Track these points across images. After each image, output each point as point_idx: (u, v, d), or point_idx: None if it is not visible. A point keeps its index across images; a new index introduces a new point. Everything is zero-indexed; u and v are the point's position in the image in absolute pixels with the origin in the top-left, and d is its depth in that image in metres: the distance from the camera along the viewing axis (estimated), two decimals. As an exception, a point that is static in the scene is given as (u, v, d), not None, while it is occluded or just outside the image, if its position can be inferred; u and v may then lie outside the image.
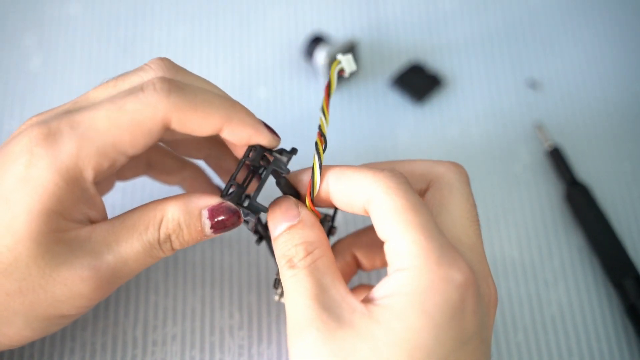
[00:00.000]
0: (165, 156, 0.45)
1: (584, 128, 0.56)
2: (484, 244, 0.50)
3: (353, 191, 0.36)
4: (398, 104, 0.57)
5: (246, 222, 0.39)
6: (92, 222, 0.37)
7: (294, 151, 0.38)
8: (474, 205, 0.38)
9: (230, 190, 0.37)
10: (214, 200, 0.37)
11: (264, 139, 0.38)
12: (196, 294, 0.48)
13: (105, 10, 0.60)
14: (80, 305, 0.36)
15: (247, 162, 0.38)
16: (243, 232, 0.50)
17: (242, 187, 0.37)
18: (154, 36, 0.60)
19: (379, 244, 0.39)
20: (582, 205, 0.51)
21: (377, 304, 0.33)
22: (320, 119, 0.38)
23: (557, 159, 0.53)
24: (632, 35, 0.60)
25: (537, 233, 0.52)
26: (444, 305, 0.32)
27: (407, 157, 0.54)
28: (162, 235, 0.37)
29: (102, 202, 0.37)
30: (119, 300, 0.47)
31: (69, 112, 0.36)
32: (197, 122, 0.36)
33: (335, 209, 0.41)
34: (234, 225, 0.38)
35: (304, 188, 0.39)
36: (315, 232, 0.37)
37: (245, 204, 0.38)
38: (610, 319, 0.48)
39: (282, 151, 0.38)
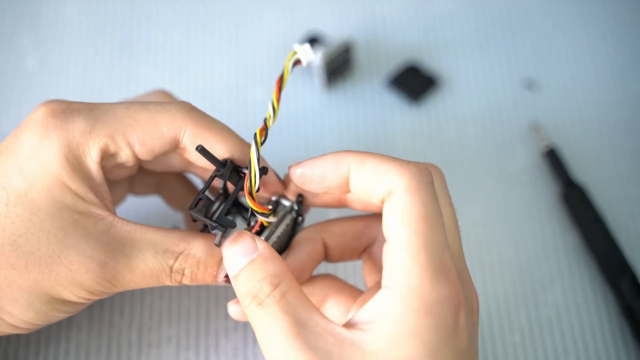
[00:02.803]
0: (174, 180, 0.45)
1: (580, 128, 0.56)
2: (480, 245, 0.51)
3: (375, 180, 0.34)
4: (394, 104, 0.57)
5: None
6: (107, 210, 0.36)
7: (264, 170, 0.37)
8: (454, 210, 0.37)
9: (198, 203, 0.36)
10: None
11: (273, 185, 0.39)
12: (191, 296, 0.48)
13: (101, 11, 0.60)
14: (79, 294, 0.36)
15: (217, 177, 0.37)
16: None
17: (210, 200, 0.37)
18: (150, 36, 0.60)
19: (352, 237, 0.38)
20: (578, 205, 0.51)
21: (365, 329, 0.32)
22: (268, 112, 0.37)
23: (553, 159, 0.53)
24: (628, 35, 0.60)
25: (533, 233, 0.52)
26: (438, 328, 0.31)
27: (403, 157, 0.54)
28: (177, 265, 0.37)
29: (108, 193, 0.37)
30: (114, 302, 0.47)
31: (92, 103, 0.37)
32: (206, 133, 0.37)
33: (301, 198, 0.39)
34: None
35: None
36: (276, 264, 0.34)
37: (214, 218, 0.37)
38: (606, 319, 0.48)
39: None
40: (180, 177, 0.45)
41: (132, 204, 0.48)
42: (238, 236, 0.36)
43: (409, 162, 0.34)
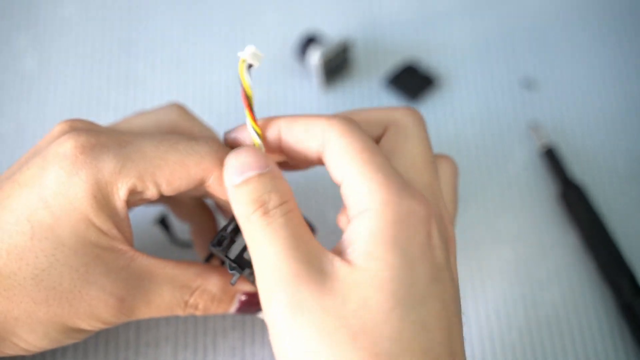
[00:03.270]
0: (183, 195, 0.45)
1: (578, 128, 0.56)
2: (478, 244, 0.51)
3: (306, 138, 0.35)
4: (392, 103, 0.57)
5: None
6: (127, 243, 0.36)
7: None
8: (429, 147, 0.37)
9: (223, 241, 0.37)
10: (251, 288, 0.39)
11: None
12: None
13: (99, 11, 0.60)
14: (96, 325, 0.36)
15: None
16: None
17: (231, 237, 0.37)
18: (148, 37, 0.60)
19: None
20: (576, 205, 0.51)
21: (351, 251, 0.32)
22: (254, 140, 0.36)
23: (552, 158, 0.53)
24: (627, 35, 0.60)
25: (532, 233, 0.52)
26: (414, 238, 0.32)
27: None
28: (192, 300, 0.38)
29: (130, 226, 0.37)
30: (112, 302, 0.47)
31: (118, 131, 0.37)
32: None
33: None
34: (255, 312, 0.40)
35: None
36: (285, 185, 0.34)
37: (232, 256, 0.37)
38: (604, 318, 0.48)
39: None
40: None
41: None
42: (251, 149, 0.35)
43: (334, 115, 0.36)
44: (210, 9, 0.61)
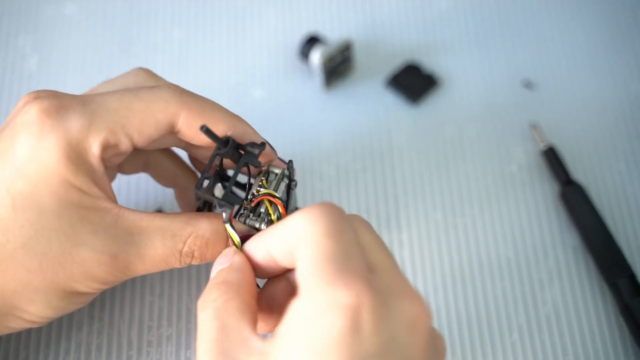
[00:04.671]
0: (162, 158, 0.45)
1: (579, 127, 0.56)
2: (479, 244, 0.51)
3: (285, 240, 0.34)
4: (393, 104, 0.57)
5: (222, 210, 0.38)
6: (111, 201, 0.36)
7: (262, 145, 0.38)
8: (379, 237, 0.35)
9: (205, 182, 0.37)
10: (242, 227, 0.38)
11: (266, 154, 0.39)
12: (191, 294, 0.48)
13: (100, 10, 0.60)
14: (93, 287, 0.37)
15: (219, 155, 0.37)
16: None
17: (216, 179, 0.37)
18: (149, 36, 0.60)
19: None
20: (577, 204, 0.51)
21: (274, 337, 0.31)
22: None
23: (552, 158, 0.53)
24: (626, 35, 0.60)
25: (532, 232, 0.52)
26: (331, 328, 0.29)
27: (403, 157, 0.54)
28: (186, 248, 0.37)
29: (110, 184, 0.37)
30: (114, 301, 0.47)
31: (82, 94, 0.37)
32: (200, 119, 0.37)
33: (291, 164, 0.40)
34: None
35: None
36: (237, 276, 0.35)
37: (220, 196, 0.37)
38: (604, 318, 0.48)
39: (252, 144, 0.38)
40: (167, 153, 0.45)
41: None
42: (224, 251, 0.37)
43: (307, 207, 0.34)
44: (211, 9, 0.61)
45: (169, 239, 0.37)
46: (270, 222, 0.38)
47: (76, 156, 0.35)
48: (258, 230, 0.38)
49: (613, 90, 0.57)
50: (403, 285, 0.33)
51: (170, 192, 0.50)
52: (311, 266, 0.31)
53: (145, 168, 0.45)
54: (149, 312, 0.47)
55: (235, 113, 0.40)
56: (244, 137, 0.38)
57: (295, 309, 0.31)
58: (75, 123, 0.35)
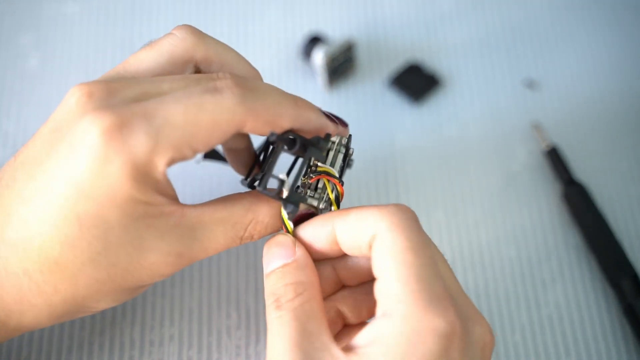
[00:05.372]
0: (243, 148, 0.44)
1: (581, 127, 0.56)
2: (482, 244, 0.51)
3: (360, 229, 0.35)
4: (396, 104, 0.57)
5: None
6: (173, 201, 0.36)
7: (327, 140, 0.38)
8: (434, 246, 0.37)
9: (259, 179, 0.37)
10: (302, 206, 0.38)
11: (332, 132, 0.39)
12: (193, 294, 0.48)
13: (102, 9, 0.60)
14: (157, 280, 0.37)
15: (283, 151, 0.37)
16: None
17: (280, 179, 0.37)
18: (151, 35, 0.59)
19: (364, 295, 0.38)
20: (579, 204, 0.51)
21: (358, 353, 0.32)
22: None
23: (555, 158, 0.53)
24: (629, 34, 0.60)
25: (535, 233, 0.52)
26: (427, 355, 0.31)
27: (405, 157, 0.54)
28: (247, 234, 0.38)
29: (171, 185, 0.36)
30: (116, 301, 0.47)
31: (139, 100, 0.35)
32: (268, 125, 0.36)
33: (350, 137, 0.40)
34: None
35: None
36: (307, 274, 0.36)
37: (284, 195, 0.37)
38: (607, 318, 0.48)
39: (318, 139, 0.38)
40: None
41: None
42: (281, 239, 0.37)
43: (387, 205, 0.35)
44: (213, 9, 0.61)
45: (230, 228, 0.37)
46: (329, 202, 0.38)
47: (142, 176, 0.34)
48: (316, 209, 0.38)
49: (615, 90, 0.57)
50: (473, 309, 0.35)
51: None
52: (399, 283, 0.32)
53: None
54: (151, 311, 0.47)
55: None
56: (309, 126, 0.38)
57: (387, 330, 0.32)
58: (140, 145, 0.33)
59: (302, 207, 0.38)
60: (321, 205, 0.38)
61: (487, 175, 0.54)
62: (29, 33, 0.59)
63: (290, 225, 0.38)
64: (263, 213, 0.38)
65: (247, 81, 0.37)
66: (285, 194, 0.37)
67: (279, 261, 0.36)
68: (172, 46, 0.39)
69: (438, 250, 0.36)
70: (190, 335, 0.46)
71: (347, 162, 0.40)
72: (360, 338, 0.33)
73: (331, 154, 0.40)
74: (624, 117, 0.56)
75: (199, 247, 0.37)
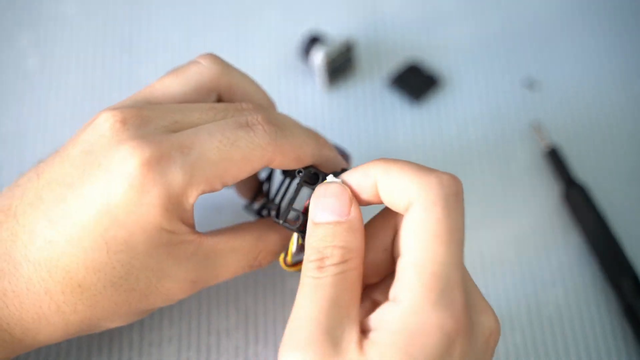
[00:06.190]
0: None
1: (581, 128, 0.56)
2: (482, 245, 0.51)
3: (398, 192, 0.33)
4: (395, 103, 0.57)
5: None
6: (193, 230, 0.37)
7: (343, 171, 0.37)
8: (464, 227, 0.35)
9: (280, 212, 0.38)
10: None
11: (345, 167, 0.40)
12: (192, 295, 0.48)
13: (101, 9, 0.60)
14: (168, 304, 0.39)
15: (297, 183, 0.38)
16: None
17: (297, 211, 0.37)
18: (151, 35, 0.59)
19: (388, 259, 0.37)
20: (579, 205, 0.51)
21: (369, 337, 0.32)
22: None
23: (555, 159, 0.53)
24: (629, 35, 0.60)
25: (535, 233, 0.51)
26: (430, 351, 0.31)
27: (405, 157, 0.54)
28: (256, 262, 0.39)
29: (192, 214, 0.37)
30: (115, 301, 0.47)
31: (171, 130, 0.36)
32: (294, 162, 0.38)
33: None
34: None
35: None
36: (357, 239, 0.34)
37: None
38: (607, 319, 0.48)
39: (335, 174, 0.38)
40: None
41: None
42: (337, 188, 0.35)
43: (431, 173, 0.33)
44: (212, 9, 0.61)
45: (243, 257, 0.39)
46: None
47: (173, 207, 0.35)
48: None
49: (616, 90, 0.57)
50: (480, 296, 0.34)
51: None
52: (415, 271, 0.32)
53: None
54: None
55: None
56: (327, 163, 0.40)
57: (394, 318, 0.31)
58: (176, 178, 0.35)
59: None
60: None
61: (487, 175, 0.54)
62: (28, 33, 0.59)
63: (292, 252, 0.38)
64: (273, 242, 0.39)
65: (275, 118, 0.38)
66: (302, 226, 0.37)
67: (331, 215, 0.34)
68: (198, 74, 0.40)
69: (462, 228, 0.34)
70: (189, 336, 0.46)
71: None
72: (373, 319, 0.32)
73: None
74: (624, 118, 0.56)
75: (212, 274, 0.38)
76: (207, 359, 0.46)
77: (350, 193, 0.35)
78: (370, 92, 0.57)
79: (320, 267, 0.33)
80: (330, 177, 0.36)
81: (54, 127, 0.55)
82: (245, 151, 0.36)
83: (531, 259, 0.50)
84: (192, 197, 0.35)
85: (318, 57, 0.55)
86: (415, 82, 0.57)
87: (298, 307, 0.33)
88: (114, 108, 0.37)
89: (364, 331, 0.32)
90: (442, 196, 0.32)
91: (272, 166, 0.37)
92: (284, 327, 0.46)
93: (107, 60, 0.58)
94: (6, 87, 0.57)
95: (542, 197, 0.53)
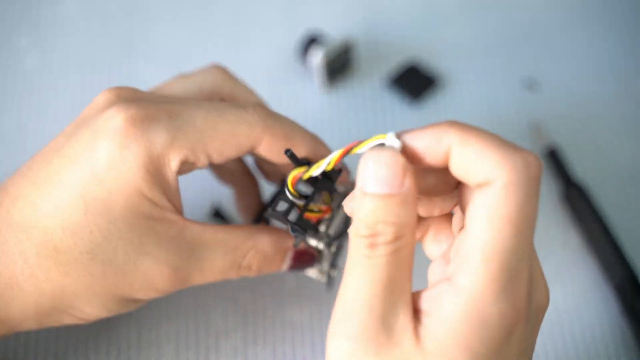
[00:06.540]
0: None
1: (580, 128, 0.56)
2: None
3: (475, 165, 0.30)
4: (394, 103, 0.57)
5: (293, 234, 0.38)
6: (178, 213, 0.37)
7: (339, 172, 0.36)
8: (537, 210, 0.32)
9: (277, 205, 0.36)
10: (301, 244, 0.39)
11: (344, 171, 0.40)
12: (190, 295, 0.48)
13: (100, 10, 0.60)
14: (150, 295, 0.37)
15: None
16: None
17: (292, 204, 0.36)
18: (150, 36, 0.59)
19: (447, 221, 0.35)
20: (579, 205, 0.51)
21: (423, 322, 0.30)
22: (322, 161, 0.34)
23: (554, 159, 0.53)
24: (628, 35, 0.60)
25: (535, 233, 0.51)
26: (490, 341, 0.29)
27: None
28: (245, 262, 0.38)
29: (179, 197, 0.37)
30: (114, 302, 0.47)
31: (166, 102, 0.37)
32: (283, 143, 0.38)
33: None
34: (307, 267, 0.40)
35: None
36: (411, 214, 0.30)
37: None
38: (606, 319, 0.48)
39: (332, 171, 0.36)
40: None
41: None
42: (390, 157, 0.30)
43: (515, 151, 0.30)
44: (212, 9, 0.61)
45: (230, 252, 0.37)
46: (329, 244, 0.39)
47: (154, 169, 0.35)
48: (316, 249, 0.39)
49: (615, 90, 0.57)
50: (539, 272, 0.32)
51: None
52: (482, 257, 0.29)
53: (208, 166, 0.45)
54: (148, 312, 0.47)
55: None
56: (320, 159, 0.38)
57: (451, 305, 0.29)
58: (159, 137, 0.35)
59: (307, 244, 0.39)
60: (320, 246, 0.39)
61: (486, 175, 0.54)
62: (27, 33, 0.59)
63: (319, 167, 0.34)
64: (264, 242, 0.38)
65: (272, 111, 0.39)
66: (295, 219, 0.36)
67: (384, 186, 0.30)
68: (203, 78, 0.41)
69: (536, 211, 0.31)
70: (188, 337, 0.46)
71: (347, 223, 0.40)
72: (427, 300, 0.30)
73: (337, 201, 0.39)
74: (623, 118, 0.56)
75: (196, 266, 0.37)
76: (205, 359, 0.46)
77: (404, 162, 0.30)
78: (369, 93, 0.57)
79: (372, 245, 0.30)
80: (390, 136, 0.31)
81: (52, 127, 0.55)
82: (233, 124, 0.36)
83: (530, 259, 0.50)
84: (174, 162, 0.35)
85: (317, 57, 0.55)
86: (415, 82, 0.57)
87: (348, 289, 0.30)
88: (113, 87, 0.37)
89: (415, 310, 0.30)
90: (525, 180, 0.29)
91: (261, 150, 0.37)
92: (282, 328, 0.46)
93: (106, 61, 0.58)
94: (6, 87, 0.57)
95: (542, 197, 0.52)
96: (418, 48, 0.59)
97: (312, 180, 0.36)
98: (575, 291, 0.49)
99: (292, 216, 0.36)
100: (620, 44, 0.59)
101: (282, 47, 0.59)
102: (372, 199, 0.30)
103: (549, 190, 0.53)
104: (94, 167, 0.34)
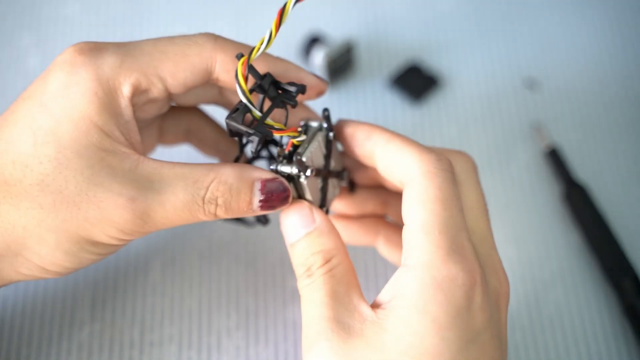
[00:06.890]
0: (204, 125, 0.45)
1: (581, 128, 0.56)
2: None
3: (397, 162, 0.36)
4: (396, 103, 0.57)
5: (250, 142, 0.37)
6: (133, 149, 0.36)
7: (302, 86, 0.37)
8: (483, 196, 0.38)
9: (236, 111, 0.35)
10: (268, 175, 0.37)
11: (309, 82, 0.39)
12: (193, 295, 0.48)
13: (102, 10, 0.60)
14: (111, 233, 0.35)
15: (257, 89, 0.36)
16: (241, 232, 0.50)
17: (247, 110, 0.35)
18: (150, 36, 0.59)
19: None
20: (580, 205, 0.51)
21: (384, 307, 0.33)
22: (263, 37, 0.37)
23: (555, 159, 0.53)
24: (629, 35, 0.60)
25: (535, 233, 0.52)
26: (447, 305, 0.32)
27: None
28: (209, 195, 0.35)
29: (137, 132, 0.36)
30: (116, 301, 0.47)
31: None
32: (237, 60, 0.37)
33: (327, 113, 0.39)
34: (282, 204, 0.37)
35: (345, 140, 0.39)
36: (332, 239, 0.36)
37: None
38: (607, 319, 0.48)
39: (292, 83, 0.37)
40: (209, 120, 0.45)
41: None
42: (297, 205, 0.37)
43: (430, 150, 0.36)
44: (213, 9, 0.61)
45: (191, 185, 0.35)
46: (303, 170, 0.37)
47: (104, 94, 0.34)
48: (289, 175, 0.37)
49: (616, 90, 0.57)
50: (495, 258, 0.36)
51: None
52: (422, 233, 0.33)
53: (187, 137, 0.45)
54: (150, 312, 0.47)
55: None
56: (285, 75, 0.38)
57: (408, 280, 0.33)
58: (107, 61, 0.35)
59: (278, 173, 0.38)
60: (293, 170, 0.37)
61: (487, 176, 0.54)
62: (29, 33, 0.59)
63: (256, 113, 0.35)
64: (227, 172, 0.36)
65: None
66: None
67: (300, 230, 0.37)
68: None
69: (477, 198, 0.37)
70: (190, 336, 0.46)
71: (329, 143, 0.39)
72: (386, 292, 0.34)
73: (310, 133, 0.38)
74: (624, 118, 0.56)
75: (155, 198, 0.35)
76: (208, 358, 0.46)
77: (308, 203, 0.38)
78: (370, 93, 0.57)
79: (309, 275, 0.35)
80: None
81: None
82: (182, 46, 0.36)
83: (531, 259, 0.50)
84: (125, 86, 0.35)
85: (319, 57, 0.55)
86: (416, 82, 0.57)
87: (304, 314, 0.35)
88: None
89: (377, 305, 0.34)
90: (440, 169, 0.35)
91: (218, 71, 0.36)
92: (284, 327, 0.46)
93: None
94: (8, 87, 0.57)
95: (543, 197, 0.53)
96: (419, 48, 0.59)
97: (272, 94, 0.37)
98: (575, 291, 0.49)
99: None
100: (621, 43, 0.59)
101: (284, 48, 0.59)
102: (297, 245, 0.36)
103: (550, 190, 0.53)
104: (43, 99, 0.34)
